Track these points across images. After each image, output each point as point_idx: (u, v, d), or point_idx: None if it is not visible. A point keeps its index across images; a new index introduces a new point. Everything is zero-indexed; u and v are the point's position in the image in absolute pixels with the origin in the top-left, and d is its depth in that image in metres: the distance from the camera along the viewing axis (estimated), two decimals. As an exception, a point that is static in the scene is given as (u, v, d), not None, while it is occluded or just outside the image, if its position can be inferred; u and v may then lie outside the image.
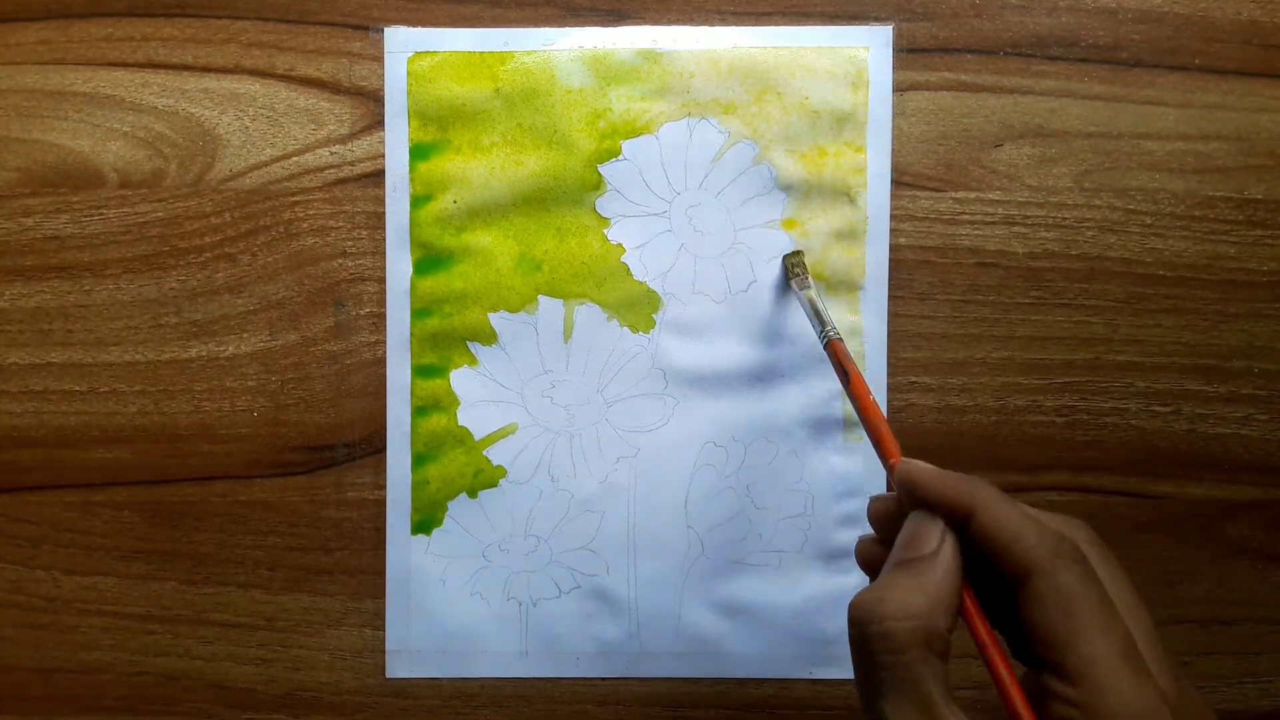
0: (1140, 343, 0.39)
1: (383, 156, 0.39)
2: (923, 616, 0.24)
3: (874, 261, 0.39)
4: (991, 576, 0.25)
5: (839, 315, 0.39)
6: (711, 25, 0.39)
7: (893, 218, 0.39)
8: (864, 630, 0.25)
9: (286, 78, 0.39)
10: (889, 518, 0.29)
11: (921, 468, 0.27)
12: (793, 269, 0.38)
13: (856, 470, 0.39)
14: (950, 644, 0.25)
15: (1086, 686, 0.23)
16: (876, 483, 0.39)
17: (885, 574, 0.26)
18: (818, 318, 0.36)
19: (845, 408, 0.39)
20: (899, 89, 0.39)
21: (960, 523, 0.26)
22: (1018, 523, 0.25)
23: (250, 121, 0.39)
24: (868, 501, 0.30)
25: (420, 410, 0.39)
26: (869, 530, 0.30)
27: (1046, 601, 0.24)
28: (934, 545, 0.26)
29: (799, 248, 0.39)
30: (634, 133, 0.39)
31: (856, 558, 0.30)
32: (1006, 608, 0.25)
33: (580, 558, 0.39)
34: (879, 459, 0.30)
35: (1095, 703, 0.23)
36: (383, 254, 0.39)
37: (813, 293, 0.37)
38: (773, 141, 0.39)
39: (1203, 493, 0.39)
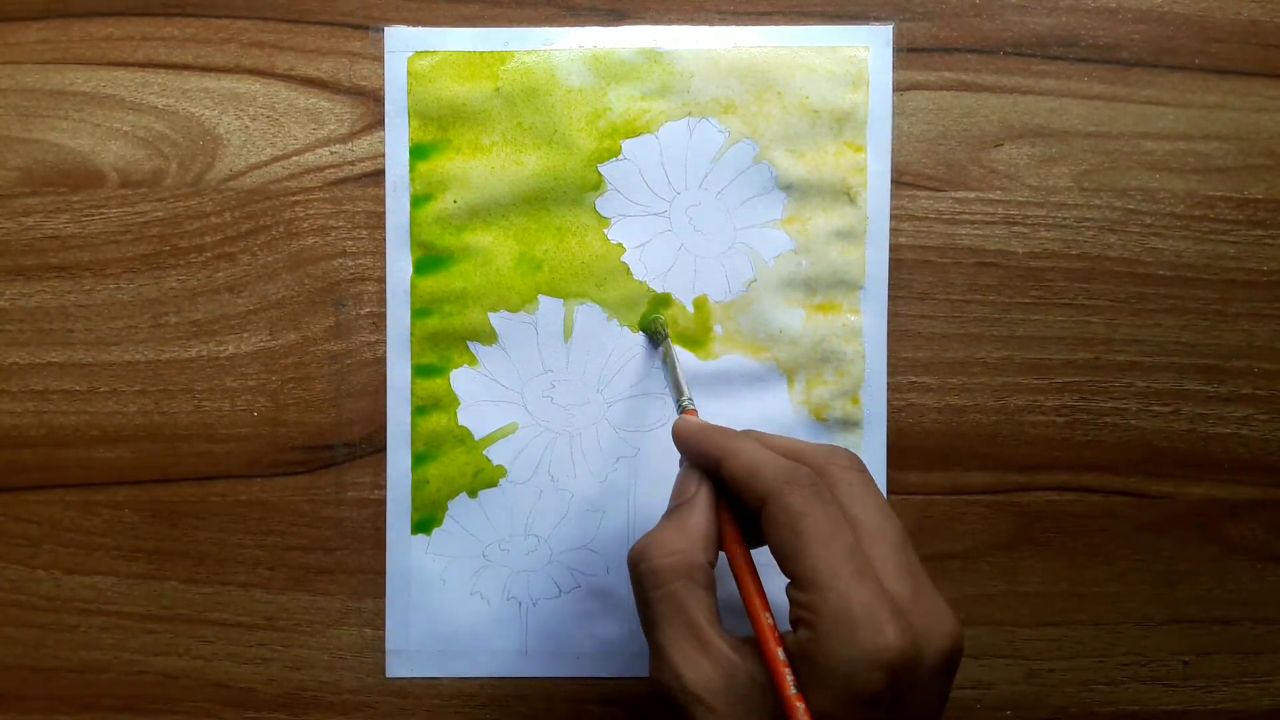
0: (1140, 343, 0.39)
1: (383, 156, 0.39)
2: (682, 552, 0.28)
3: (874, 261, 0.39)
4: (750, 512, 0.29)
5: (839, 315, 0.39)
6: (712, 25, 0.39)
7: (893, 218, 0.39)
8: (636, 570, 0.29)
9: (286, 78, 0.39)
10: None
11: (686, 423, 0.32)
12: (656, 334, 0.38)
13: (856, 470, 0.39)
14: (713, 576, 0.29)
15: (813, 590, 0.26)
16: (878, 483, 0.39)
17: (656, 525, 0.30)
18: (675, 384, 0.35)
19: (845, 408, 0.39)
20: (899, 89, 0.39)
21: (714, 470, 0.30)
22: (755, 460, 0.29)
23: (250, 121, 0.39)
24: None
25: (420, 410, 0.39)
26: None
27: (778, 522, 0.27)
28: (693, 491, 0.30)
29: (662, 317, 0.39)
30: (634, 132, 0.39)
31: None
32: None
33: (580, 557, 0.39)
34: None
35: (820, 603, 0.26)
36: (383, 254, 0.39)
37: (674, 359, 0.37)
38: (773, 141, 0.39)
39: (1203, 493, 0.39)
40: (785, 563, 0.27)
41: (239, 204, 0.39)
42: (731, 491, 0.30)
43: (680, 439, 0.32)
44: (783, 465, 0.28)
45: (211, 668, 0.40)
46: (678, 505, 0.30)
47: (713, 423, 0.32)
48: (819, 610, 0.26)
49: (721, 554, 0.30)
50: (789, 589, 0.27)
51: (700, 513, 0.30)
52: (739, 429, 0.31)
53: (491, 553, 0.39)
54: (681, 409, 0.34)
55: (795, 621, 0.27)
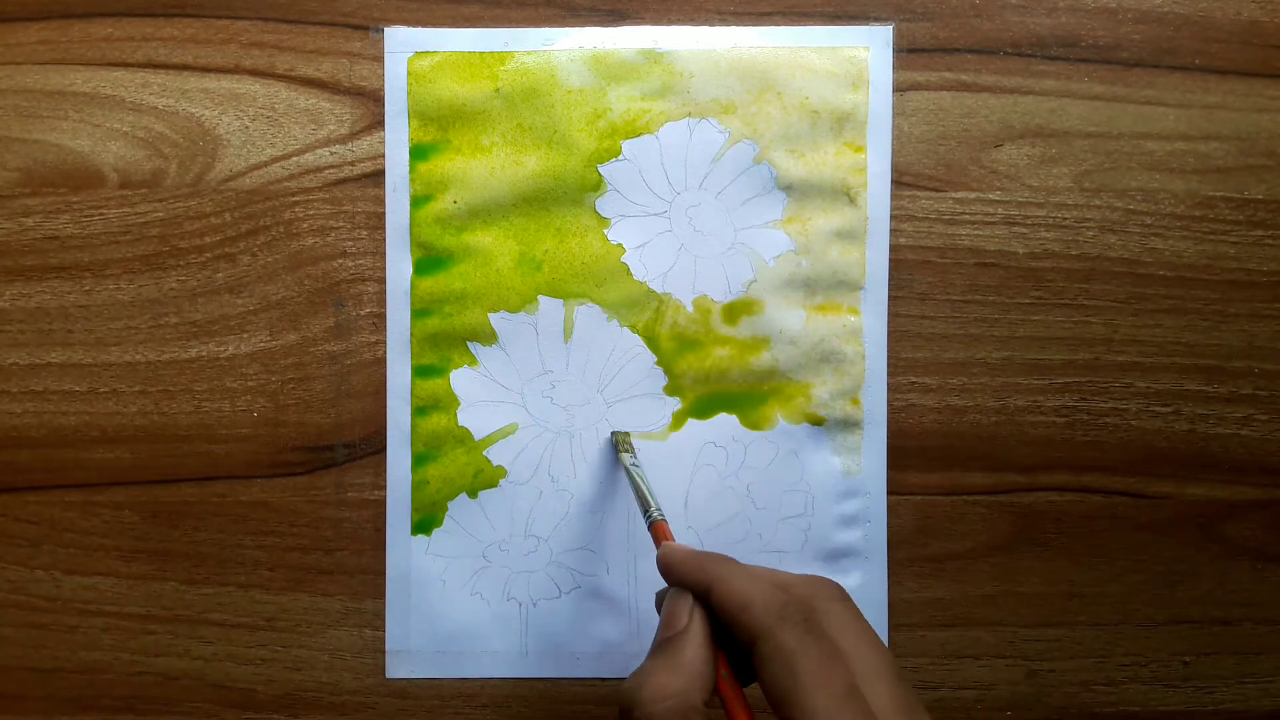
0: (1140, 343, 0.39)
1: (383, 156, 0.39)
2: (678, 695, 0.26)
3: (874, 261, 0.39)
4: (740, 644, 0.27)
5: (839, 315, 0.39)
6: (711, 25, 0.39)
7: (893, 218, 0.39)
8: (630, 717, 0.27)
9: (286, 78, 0.39)
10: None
11: (673, 550, 0.30)
12: (621, 446, 0.38)
13: (856, 470, 0.39)
14: (707, 715, 0.27)
15: None
16: (877, 482, 0.39)
17: (647, 657, 0.28)
18: (641, 497, 0.35)
19: (845, 408, 0.39)
20: (899, 89, 0.39)
21: (704, 598, 0.28)
22: (747, 592, 0.27)
23: (250, 121, 0.39)
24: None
25: (420, 410, 0.39)
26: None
27: (771, 661, 0.26)
28: (684, 621, 0.28)
29: (626, 430, 0.39)
30: (634, 133, 0.39)
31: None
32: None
33: (580, 558, 0.39)
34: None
35: None
36: (383, 254, 0.39)
37: (639, 471, 0.36)
38: (773, 141, 0.39)
39: (1203, 493, 0.39)
40: (778, 705, 0.26)
41: (239, 204, 0.39)
42: (723, 625, 0.28)
43: (666, 568, 0.30)
44: (775, 598, 0.27)
45: (211, 668, 0.40)
46: (669, 638, 0.28)
47: (693, 547, 0.31)
48: None
49: None
50: None
51: (694, 648, 0.28)
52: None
53: (491, 553, 0.39)
54: (651, 521, 0.33)
55: None
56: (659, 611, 0.30)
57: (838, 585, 0.29)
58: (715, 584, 0.28)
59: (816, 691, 0.25)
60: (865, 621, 0.28)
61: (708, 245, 0.39)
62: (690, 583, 0.29)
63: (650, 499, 0.34)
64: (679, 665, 0.27)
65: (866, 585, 0.39)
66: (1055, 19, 0.39)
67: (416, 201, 0.39)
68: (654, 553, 0.39)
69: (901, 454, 0.39)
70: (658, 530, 0.33)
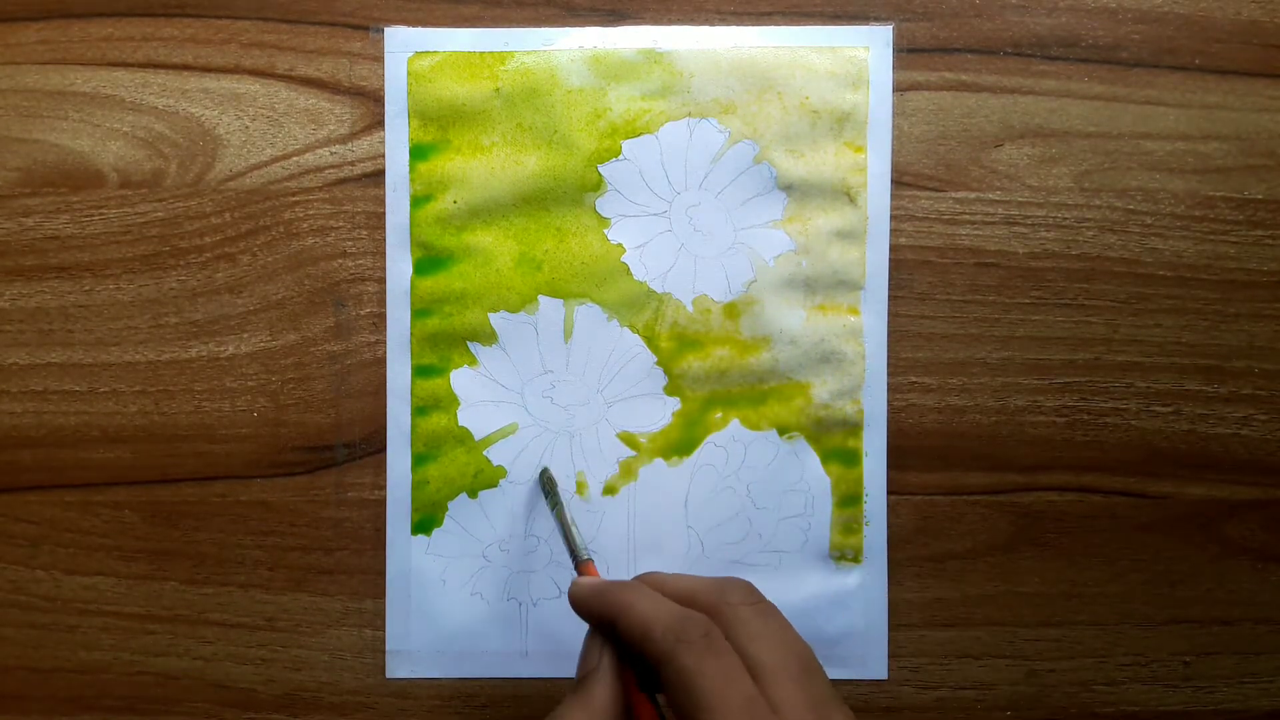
0: (1140, 343, 0.39)
1: (383, 156, 0.39)
2: None
3: (874, 261, 0.39)
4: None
5: (839, 315, 0.39)
6: (711, 25, 0.39)
7: (893, 218, 0.39)
8: None
9: (286, 78, 0.39)
10: None
11: (579, 586, 0.30)
12: (546, 487, 0.38)
13: (856, 470, 0.39)
14: None
15: None
16: (877, 482, 0.39)
17: (562, 702, 0.28)
18: (569, 540, 0.35)
19: (845, 408, 0.39)
20: (899, 89, 0.39)
21: (612, 630, 0.28)
22: (647, 619, 0.27)
23: (250, 121, 0.39)
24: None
25: (420, 410, 0.39)
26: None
27: (673, 686, 0.26)
28: (595, 661, 0.28)
29: (549, 470, 0.39)
30: (634, 132, 0.39)
31: None
32: None
33: (580, 558, 0.39)
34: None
35: None
36: (383, 254, 0.39)
37: (565, 512, 0.36)
38: (773, 141, 0.39)
39: (1203, 493, 0.39)
40: None
41: (239, 204, 0.39)
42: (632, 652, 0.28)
43: (575, 604, 0.30)
44: (673, 619, 0.27)
45: (211, 668, 0.40)
46: (583, 678, 0.28)
47: (606, 577, 0.31)
48: None
49: None
50: None
51: (603, 687, 0.28)
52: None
53: (491, 553, 0.39)
54: (578, 565, 0.33)
55: None
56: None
57: (746, 585, 0.29)
58: (619, 615, 0.28)
59: (714, 709, 0.25)
60: (774, 619, 0.28)
61: (708, 245, 0.39)
62: (596, 616, 0.29)
63: (578, 544, 0.35)
64: (592, 707, 0.28)
65: (866, 585, 0.39)
66: (1055, 19, 0.39)
67: (416, 201, 0.39)
68: (654, 553, 0.39)
69: (901, 454, 0.39)
70: (585, 571, 0.33)
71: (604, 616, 0.29)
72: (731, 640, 0.27)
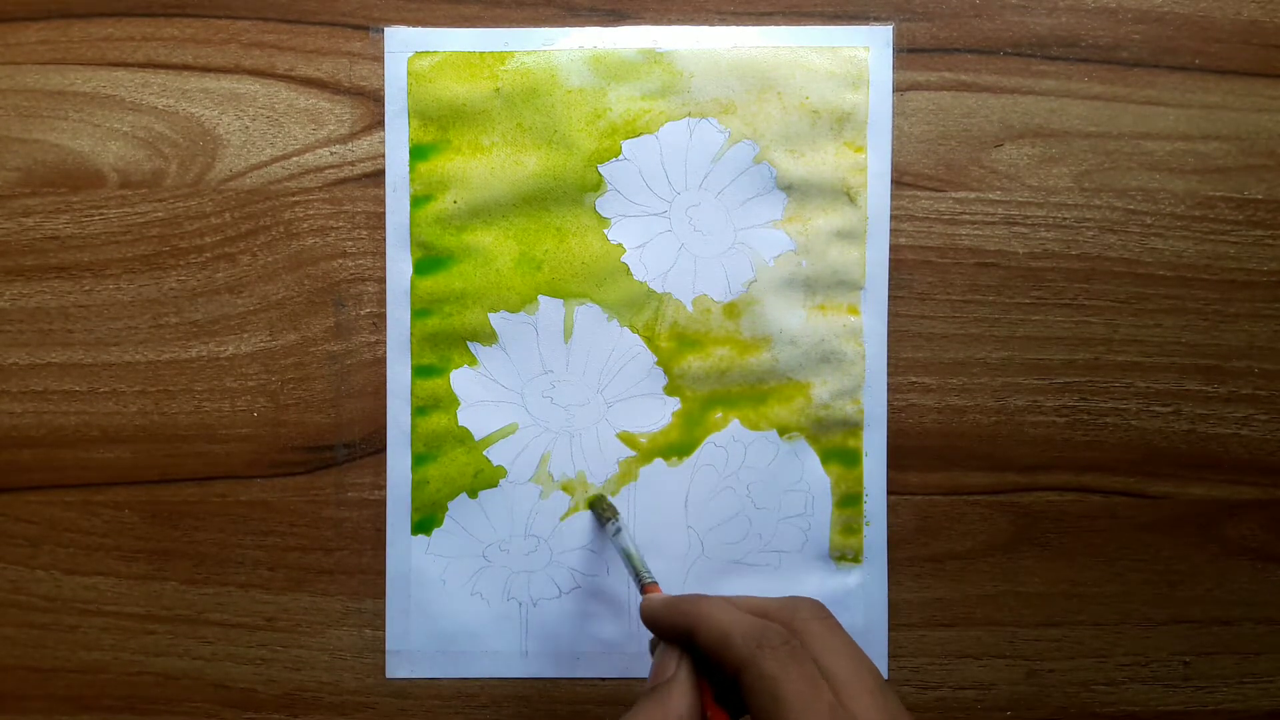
0: (1140, 343, 0.39)
1: (383, 156, 0.39)
2: None
3: (874, 261, 0.39)
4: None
5: (839, 315, 0.39)
6: (711, 25, 0.39)
7: (893, 218, 0.39)
8: None
9: (286, 78, 0.39)
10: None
11: (652, 601, 0.31)
12: (606, 514, 0.37)
13: (856, 470, 0.39)
14: None
15: None
16: (877, 483, 0.39)
17: (636, 704, 0.29)
18: (632, 565, 0.35)
19: (845, 408, 0.39)
20: (899, 89, 0.39)
21: (688, 643, 0.29)
22: (726, 626, 0.28)
23: (250, 121, 0.39)
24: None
25: (420, 410, 0.39)
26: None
27: (755, 690, 0.26)
28: (672, 669, 0.29)
29: (608, 498, 0.38)
30: (634, 132, 0.39)
31: None
32: None
33: (580, 558, 0.39)
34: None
35: None
36: (383, 254, 0.39)
37: (626, 537, 0.36)
38: (773, 141, 0.39)
39: (1203, 493, 0.39)
40: None
41: (239, 204, 0.39)
42: (710, 662, 0.28)
43: (648, 620, 0.31)
44: (754, 627, 0.27)
45: (211, 668, 0.40)
46: (658, 686, 0.29)
47: (675, 594, 0.31)
48: None
49: None
50: None
51: (680, 694, 0.28)
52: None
53: (491, 553, 0.39)
54: (643, 587, 0.33)
55: None
56: (652, 655, 0.31)
57: (817, 603, 0.29)
58: (696, 624, 0.28)
59: (801, 715, 0.25)
60: (845, 636, 0.29)
61: (708, 245, 0.39)
62: (672, 630, 0.29)
63: (641, 567, 0.34)
64: (666, 711, 0.28)
65: (866, 585, 0.39)
66: (1055, 19, 0.39)
67: (416, 201, 0.39)
68: (654, 553, 0.39)
69: (901, 454, 0.39)
70: (650, 593, 0.33)
71: (680, 627, 0.29)
72: (809, 654, 0.27)
